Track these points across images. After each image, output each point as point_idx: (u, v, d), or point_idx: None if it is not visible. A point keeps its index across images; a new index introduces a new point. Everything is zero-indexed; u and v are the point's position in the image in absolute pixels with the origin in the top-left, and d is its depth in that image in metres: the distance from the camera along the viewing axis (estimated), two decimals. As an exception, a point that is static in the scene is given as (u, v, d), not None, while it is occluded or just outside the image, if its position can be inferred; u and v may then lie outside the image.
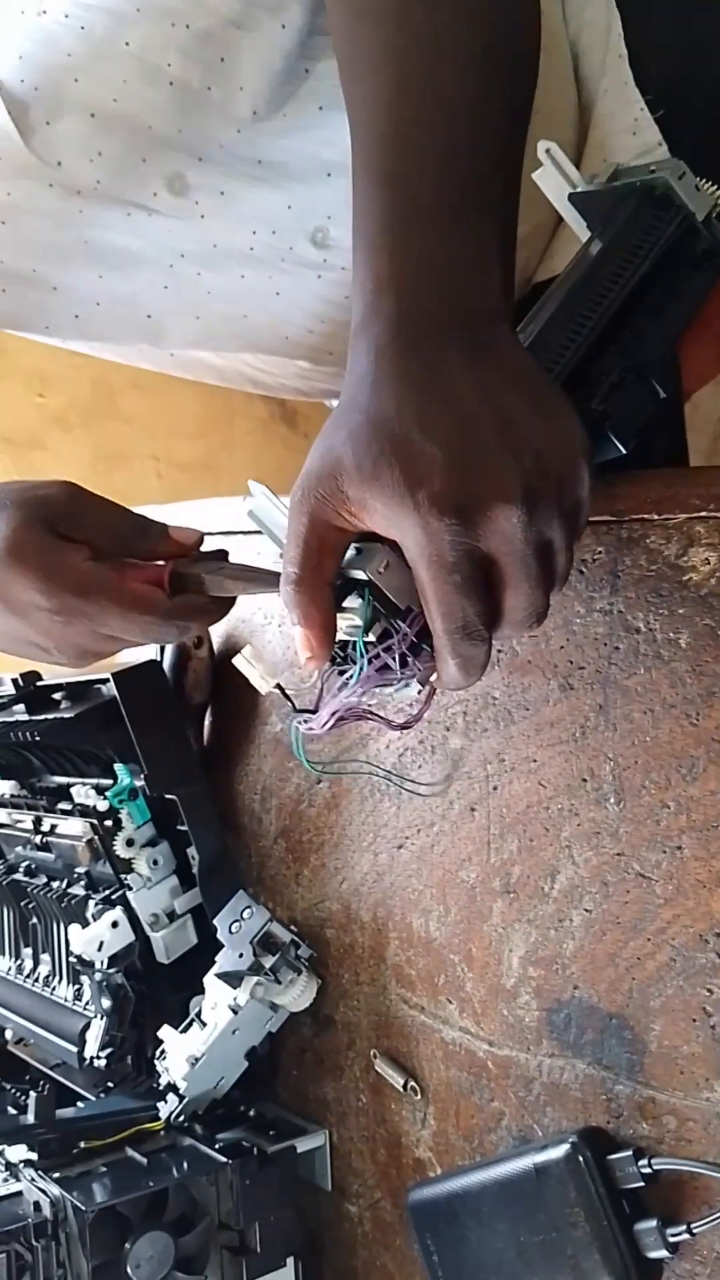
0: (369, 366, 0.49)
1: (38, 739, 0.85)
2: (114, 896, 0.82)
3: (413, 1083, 0.73)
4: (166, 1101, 0.78)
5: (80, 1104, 0.84)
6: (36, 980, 0.90)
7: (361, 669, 0.54)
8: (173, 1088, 0.78)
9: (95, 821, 0.82)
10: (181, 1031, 0.78)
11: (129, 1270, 0.70)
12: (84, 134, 0.64)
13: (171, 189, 0.67)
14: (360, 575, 0.53)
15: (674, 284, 0.64)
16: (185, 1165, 0.75)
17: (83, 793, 0.84)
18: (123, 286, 0.73)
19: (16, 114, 0.64)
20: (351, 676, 0.54)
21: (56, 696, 0.89)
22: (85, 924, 0.81)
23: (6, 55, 0.63)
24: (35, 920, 0.92)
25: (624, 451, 0.60)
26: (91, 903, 0.82)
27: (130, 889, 0.81)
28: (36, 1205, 0.72)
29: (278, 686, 0.61)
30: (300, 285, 0.73)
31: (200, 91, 0.64)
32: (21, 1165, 0.75)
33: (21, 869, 0.93)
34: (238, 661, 0.62)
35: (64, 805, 0.87)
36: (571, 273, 0.62)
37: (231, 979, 0.76)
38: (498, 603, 0.50)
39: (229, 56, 0.63)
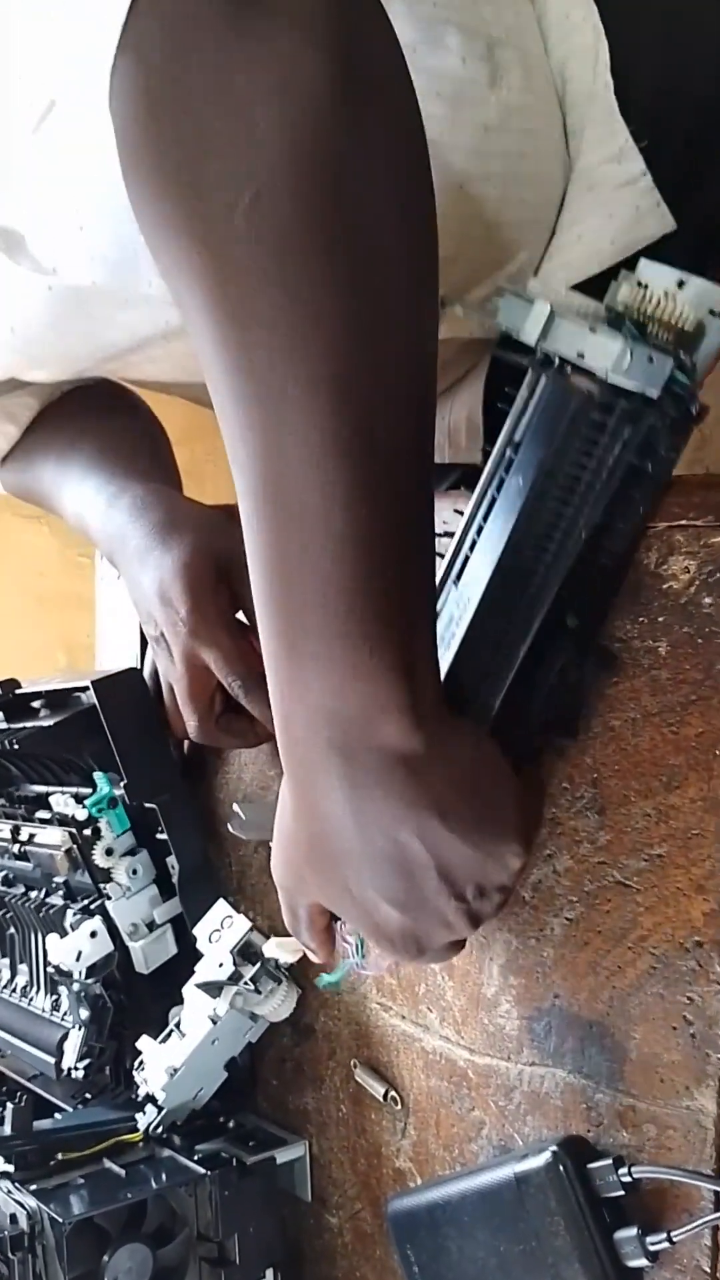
0: (284, 786, 0.57)
1: (16, 747, 0.85)
2: (93, 906, 0.81)
3: (393, 1092, 0.73)
4: (145, 1112, 0.78)
5: (58, 1115, 0.83)
6: (14, 991, 0.90)
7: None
8: (151, 1099, 0.77)
9: (74, 830, 0.81)
10: (160, 1042, 0.78)
11: (107, 1283, 0.69)
12: (73, 243, 0.65)
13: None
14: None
15: (619, 517, 0.57)
16: (164, 1176, 0.74)
17: (61, 801, 0.83)
18: (129, 372, 0.75)
19: (3, 238, 0.65)
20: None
21: (35, 705, 0.88)
22: (64, 934, 0.81)
23: None
24: (13, 930, 0.91)
25: (574, 739, 0.61)
26: (70, 912, 0.82)
27: (109, 898, 0.81)
28: (13, 1218, 0.71)
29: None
30: None
31: None
32: (-2, 1177, 0.75)
33: (-1, 878, 0.92)
34: (269, 950, 0.74)
35: (42, 814, 0.86)
36: (486, 559, 0.56)
37: (211, 989, 0.76)
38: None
39: None
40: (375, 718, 0.51)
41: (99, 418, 0.93)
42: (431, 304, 0.50)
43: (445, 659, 0.58)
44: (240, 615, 0.75)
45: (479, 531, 0.57)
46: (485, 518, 0.56)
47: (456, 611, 0.57)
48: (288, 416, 0.47)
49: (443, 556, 0.59)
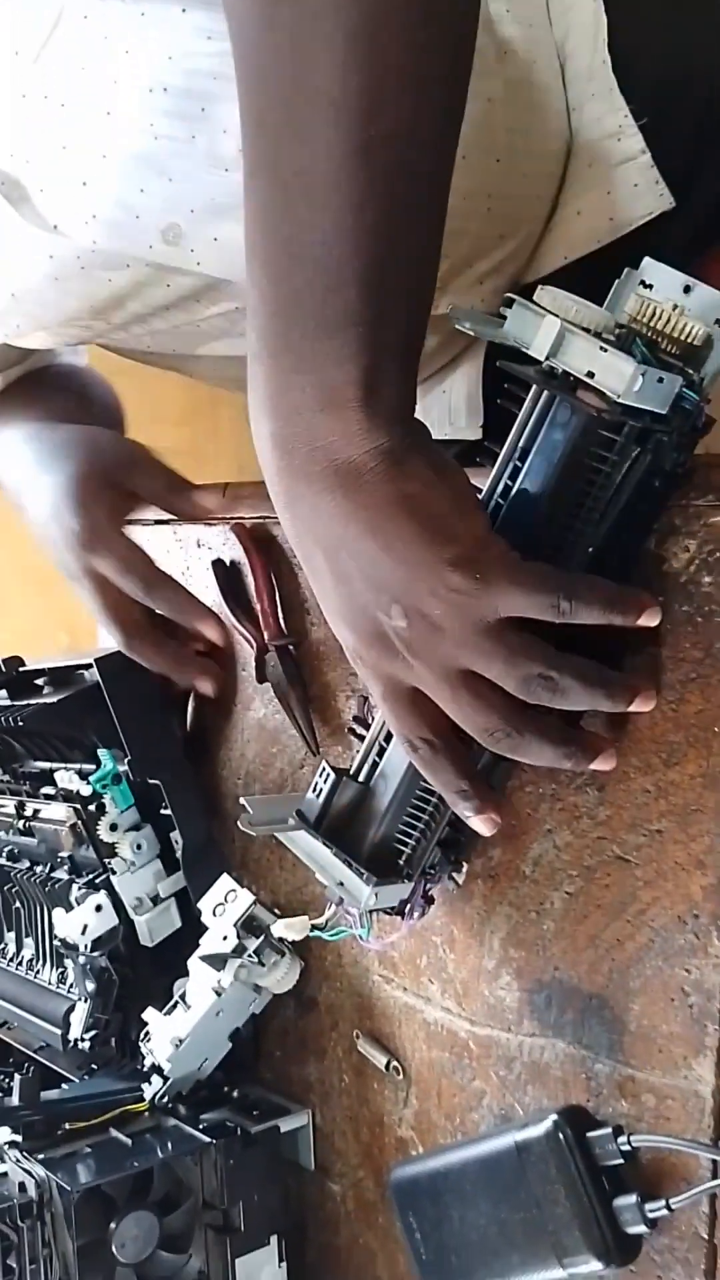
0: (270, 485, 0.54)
1: (20, 724, 0.85)
2: (98, 880, 0.82)
3: (395, 1063, 0.74)
4: (151, 1083, 0.79)
5: (65, 1086, 0.85)
6: (20, 964, 0.91)
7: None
8: (157, 1069, 0.78)
9: (78, 806, 0.82)
10: (165, 1014, 0.79)
11: (114, 1250, 0.70)
12: (77, 199, 0.65)
13: (166, 240, 0.67)
14: None
15: (625, 530, 0.56)
16: (169, 1146, 0.75)
17: (66, 778, 0.84)
18: (132, 342, 0.75)
19: (8, 186, 0.65)
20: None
21: (39, 682, 0.89)
22: (69, 908, 0.82)
23: None
24: (19, 905, 0.92)
25: None
26: (75, 887, 0.83)
27: (114, 873, 0.82)
28: (21, 1186, 0.72)
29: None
30: None
31: (185, 141, 0.64)
32: (6, 1147, 0.76)
33: (4, 854, 0.93)
34: (277, 930, 0.72)
35: (47, 790, 0.87)
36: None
37: (215, 961, 0.77)
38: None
39: (209, 106, 0.64)
40: (321, 414, 0.49)
41: (45, 398, 0.93)
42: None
43: None
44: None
45: None
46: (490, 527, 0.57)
47: None
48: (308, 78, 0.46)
49: None
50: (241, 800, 0.66)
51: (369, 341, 0.49)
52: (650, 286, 0.54)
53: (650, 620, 0.53)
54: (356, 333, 0.48)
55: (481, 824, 0.57)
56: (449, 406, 0.87)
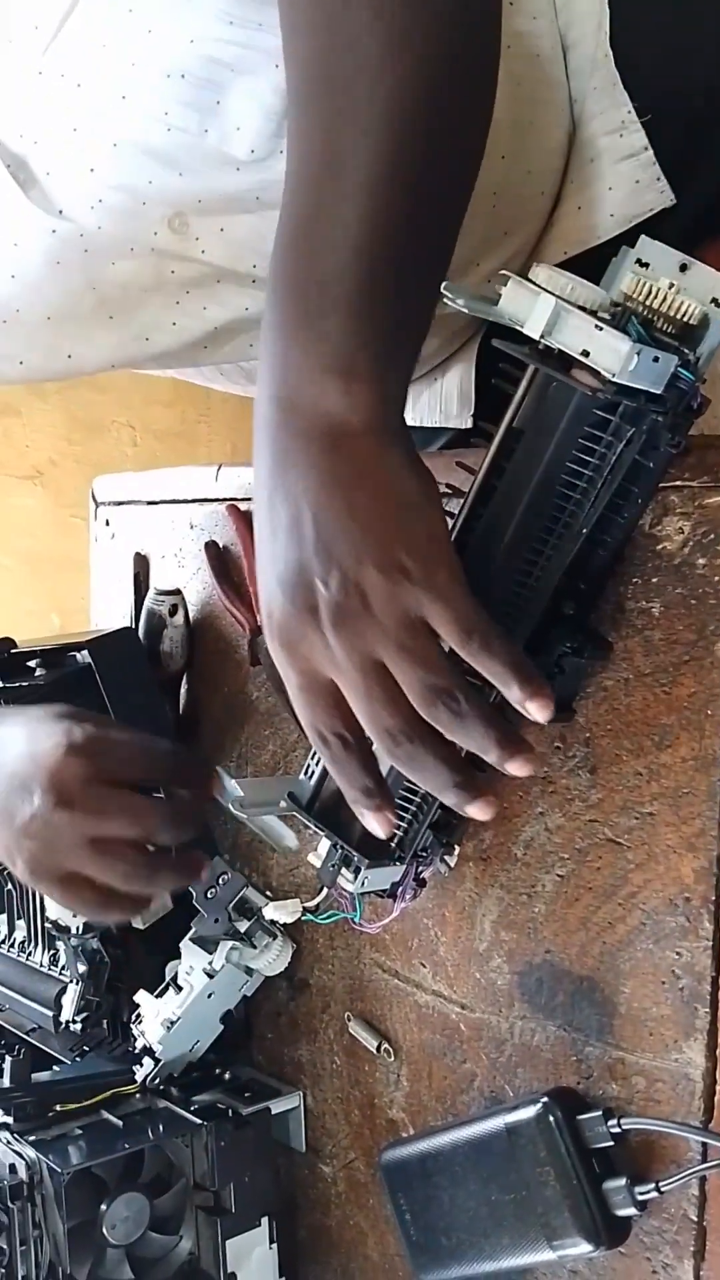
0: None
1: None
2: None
3: (386, 1045, 0.74)
4: (142, 1065, 0.79)
5: (56, 1068, 0.85)
6: (12, 946, 0.90)
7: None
8: (148, 1051, 0.78)
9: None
10: (157, 996, 0.79)
11: (105, 1231, 0.70)
12: (83, 184, 0.65)
13: (172, 228, 0.67)
14: None
15: (618, 509, 0.56)
16: (161, 1127, 0.75)
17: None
18: (131, 330, 0.73)
19: (15, 167, 0.65)
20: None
21: (31, 664, 0.89)
22: (61, 890, 0.82)
23: (3, 111, 0.64)
24: (10, 887, 0.92)
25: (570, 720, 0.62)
26: (67, 869, 0.82)
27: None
28: (12, 1168, 0.72)
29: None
30: None
31: (198, 135, 0.64)
32: (-3, 1128, 0.76)
33: (-4, 836, 0.93)
34: (269, 913, 0.74)
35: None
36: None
37: (207, 944, 0.77)
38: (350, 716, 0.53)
39: (224, 99, 0.63)
40: (326, 376, 0.51)
41: None
42: None
43: (444, 647, 0.58)
44: None
45: (477, 518, 0.56)
46: (484, 504, 0.56)
47: None
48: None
49: None
50: (232, 781, 0.66)
51: (387, 319, 0.51)
52: (646, 265, 0.53)
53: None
54: (377, 310, 0.50)
55: (377, 823, 0.56)
56: (441, 394, 0.87)
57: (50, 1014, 0.82)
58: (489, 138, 0.71)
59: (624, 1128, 0.58)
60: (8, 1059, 0.81)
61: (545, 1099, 0.60)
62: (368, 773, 0.55)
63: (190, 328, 0.73)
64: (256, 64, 0.63)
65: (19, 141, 0.65)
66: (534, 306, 0.50)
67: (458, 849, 0.67)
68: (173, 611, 0.87)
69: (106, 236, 0.67)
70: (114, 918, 0.75)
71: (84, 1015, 0.80)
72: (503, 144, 0.72)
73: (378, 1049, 0.74)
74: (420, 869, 0.66)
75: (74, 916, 0.80)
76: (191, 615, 0.88)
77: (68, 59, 0.63)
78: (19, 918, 0.91)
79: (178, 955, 0.79)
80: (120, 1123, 0.76)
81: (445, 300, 0.52)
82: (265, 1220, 0.76)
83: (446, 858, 0.67)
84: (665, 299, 0.51)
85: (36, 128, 0.65)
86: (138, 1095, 0.80)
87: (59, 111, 0.64)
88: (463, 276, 0.75)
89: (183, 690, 0.90)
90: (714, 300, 0.53)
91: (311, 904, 0.67)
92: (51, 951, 0.86)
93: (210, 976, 0.77)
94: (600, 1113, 0.59)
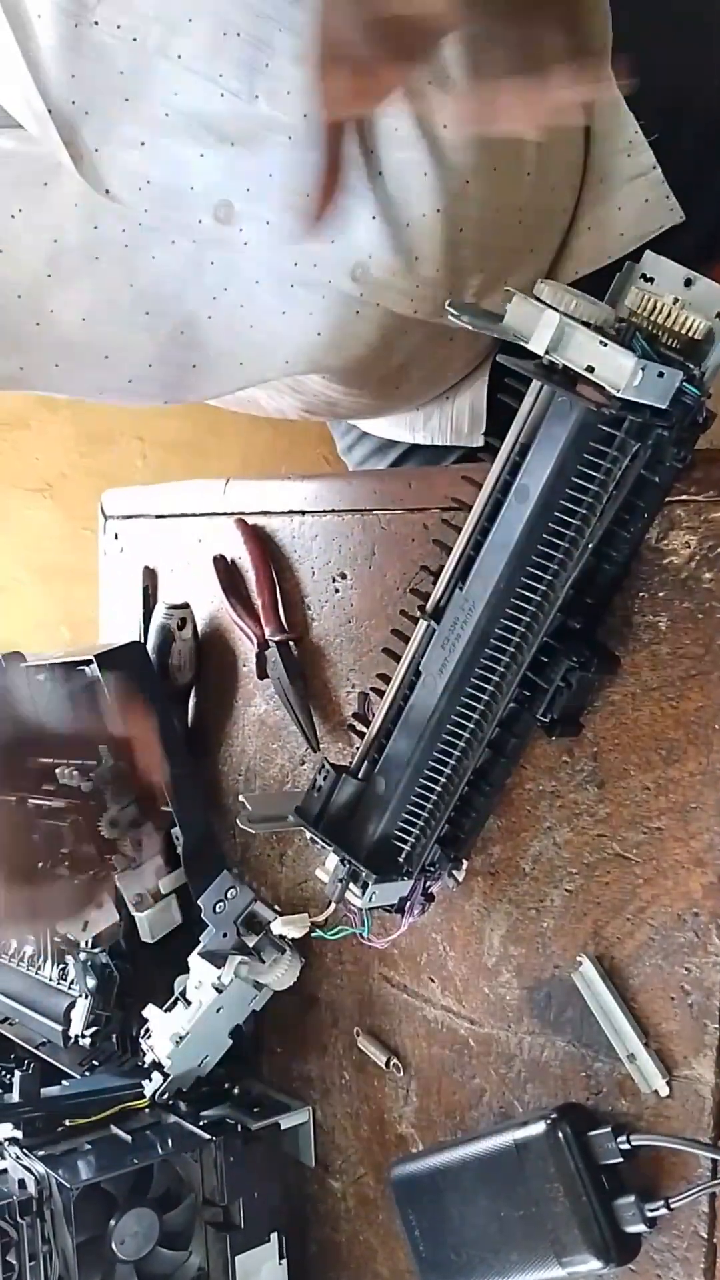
0: None
1: (22, 720, 0.85)
2: (99, 877, 0.82)
3: (395, 1060, 0.74)
4: (151, 1080, 0.79)
5: (65, 1082, 0.84)
6: (22, 960, 0.90)
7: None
8: (157, 1066, 0.78)
9: (79, 802, 0.82)
10: (166, 1010, 0.79)
11: (113, 1246, 0.70)
12: (133, 161, 0.63)
13: (217, 217, 0.66)
14: None
15: (624, 524, 0.56)
16: (170, 1142, 0.75)
17: (66, 774, 0.84)
18: (168, 325, 0.71)
19: (67, 138, 0.62)
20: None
21: (40, 678, 0.89)
22: (70, 904, 0.82)
23: (57, 72, 0.61)
24: (20, 900, 0.92)
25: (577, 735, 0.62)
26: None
27: (115, 869, 0.81)
28: (21, 1183, 0.72)
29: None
30: (339, 324, 0.72)
31: (249, 101, 0.63)
32: (6, 1143, 0.76)
33: (6, 849, 0.93)
34: (277, 928, 0.73)
35: (48, 786, 0.87)
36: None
37: (216, 958, 0.77)
38: None
39: (273, 60, 0.63)
40: None
41: None
42: None
43: (451, 659, 0.58)
44: None
45: (484, 533, 0.56)
46: (491, 519, 0.56)
47: (461, 615, 0.57)
48: None
49: (445, 547, 0.59)
50: (241, 798, 0.66)
51: None
52: (651, 280, 0.54)
53: None
54: None
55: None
56: (453, 414, 0.87)
57: (60, 1028, 0.82)
58: (515, 154, 0.71)
59: (634, 1144, 0.58)
60: (17, 1074, 0.81)
61: (554, 1115, 0.59)
62: None
63: (227, 329, 0.71)
64: (299, 21, 0.62)
65: (71, 108, 0.62)
66: (539, 323, 0.50)
67: (465, 863, 0.67)
68: (181, 625, 0.87)
69: (150, 225, 0.65)
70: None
71: (93, 1030, 0.80)
72: (528, 161, 0.72)
73: (387, 1064, 0.74)
74: (428, 883, 0.66)
75: (83, 931, 0.80)
76: (200, 629, 0.88)
77: (123, 6, 0.60)
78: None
79: (186, 970, 0.79)
80: (129, 1138, 0.76)
81: (450, 318, 0.52)
82: (274, 1236, 0.76)
83: (455, 872, 0.67)
84: (670, 314, 0.51)
85: (88, 93, 0.62)
86: (147, 1110, 0.79)
87: (113, 73, 0.61)
88: (490, 295, 0.75)
89: (191, 703, 0.90)
90: (719, 315, 0.53)
91: (320, 919, 0.67)
92: (61, 966, 0.86)
93: (219, 991, 0.77)
94: (610, 1129, 0.58)
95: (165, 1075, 0.78)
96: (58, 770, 0.85)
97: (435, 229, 0.69)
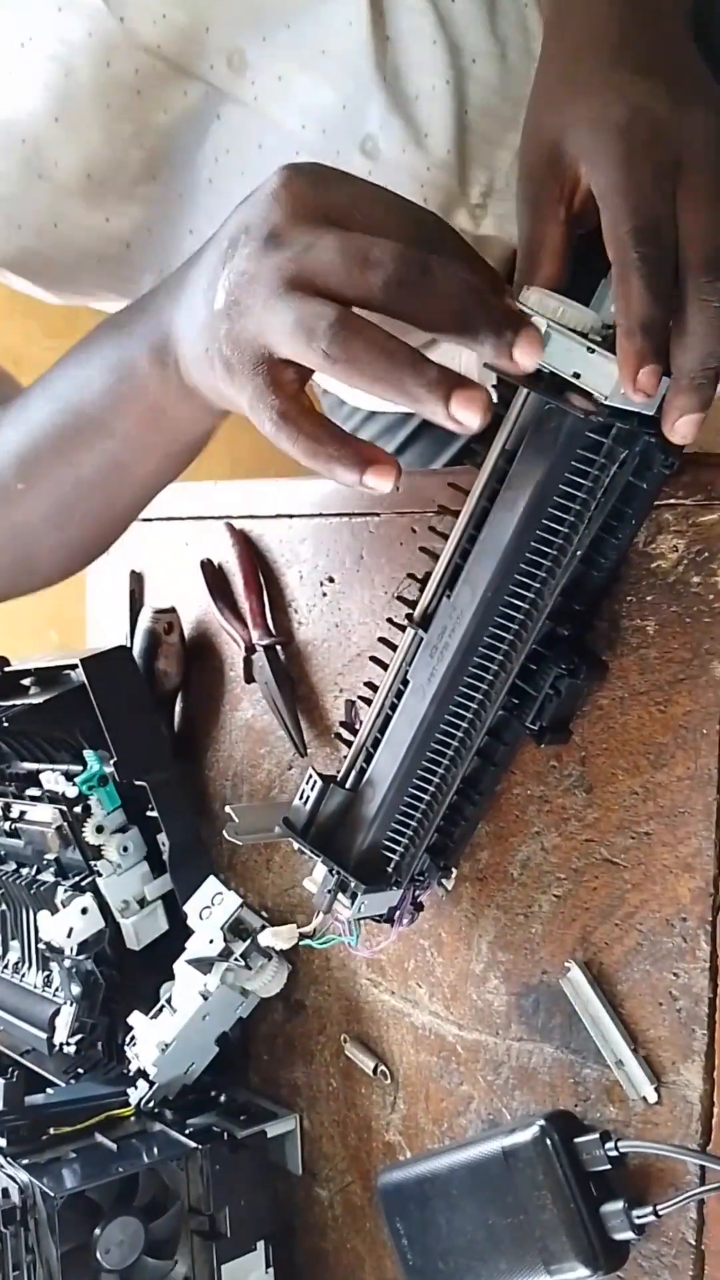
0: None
1: (6, 725, 0.85)
2: (84, 883, 0.81)
3: (383, 1067, 0.73)
4: (137, 1087, 0.78)
5: (50, 1090, 0.84)
6: (6, 967, 0.90)
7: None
8: (143, 1073, 0.78)
9: (64, 808, 0.81)
10: (152, 1017, 0.78)
11: (99, 1256, 0.70)
12: None
13: (230, 64, 0.64)
14: None
15: (613, 531, 0.56)
16: (155, 1151, 0.75)
17: (52, 779, 0.83)
18: (170, 191, 0.67)
19: None
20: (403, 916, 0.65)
21: (25, 682, 0.88)
22: (55, 910, 0.81)
23: None
24: (4, 906, 0.91)
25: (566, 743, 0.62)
26: (61, 889, 0.82)
27: (100, 875, 0.81)
28: (5, 1192, 0.72)
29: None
30: None
31: None
32: (-10, 1152, 0.75)
33: (-9, 855, 0.92)
34: (265, 939, 0.72)
35: (33, 791, 0.86)
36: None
37: (202, 965, 0.76)
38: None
39: None
40: None
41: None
42: None
43: (439, 668, 0.58)
44: None
45: (471, 541, 0.56)
46: (478, 527, 0.55)
47: (449, 623, 0.57)
48: None
49: (432, 555, 0.59)
50: (228, 809, 0.65)
51: None
52: None
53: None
54: None
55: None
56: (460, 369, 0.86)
57: (44, 1036, 0.81)
58: (525, 47, 0.71)
59: (622, 1151, 0.58)
60: (1, 1082, 0.80)
61: (542, 1122, 0.59)
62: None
63: (224, 196, 0.69)
64: None
65: None
66: None
67: (455, 871, 0.67)
68: (168, 629, 0.87)
69: (162, 67, 0.63)
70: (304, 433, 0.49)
71: (78, 1037, 0.80)
72: (536, 55, 0.72)
73: (374, 1071, 0.74)
74: (417, 893, 0.65)
75: (68, 937, 0.80)
76: (187, 633, 0.88)
77: None
78: (12, 938, 0.90)
79: (172, 977, 0.78)
80: (115, 1146, 0.75)
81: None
82: (261, 1244, 0.75)
83: (444, 880, 0.67)
84: None
85: None
86: (132, 1118, 0.79)
87: None
88: (493, 202, 0.74)
89: (178, 708, 0.90)
90: None
91: (308, 929, 0.66)
92: (45, 973, 0.85)
93: (205, 998, 0.76)
94: (598, 1135, 0.58)
95: (151, 1083, 0.78)
96: (42, 775, 0.84)
97: (444, 103, 0.68)
